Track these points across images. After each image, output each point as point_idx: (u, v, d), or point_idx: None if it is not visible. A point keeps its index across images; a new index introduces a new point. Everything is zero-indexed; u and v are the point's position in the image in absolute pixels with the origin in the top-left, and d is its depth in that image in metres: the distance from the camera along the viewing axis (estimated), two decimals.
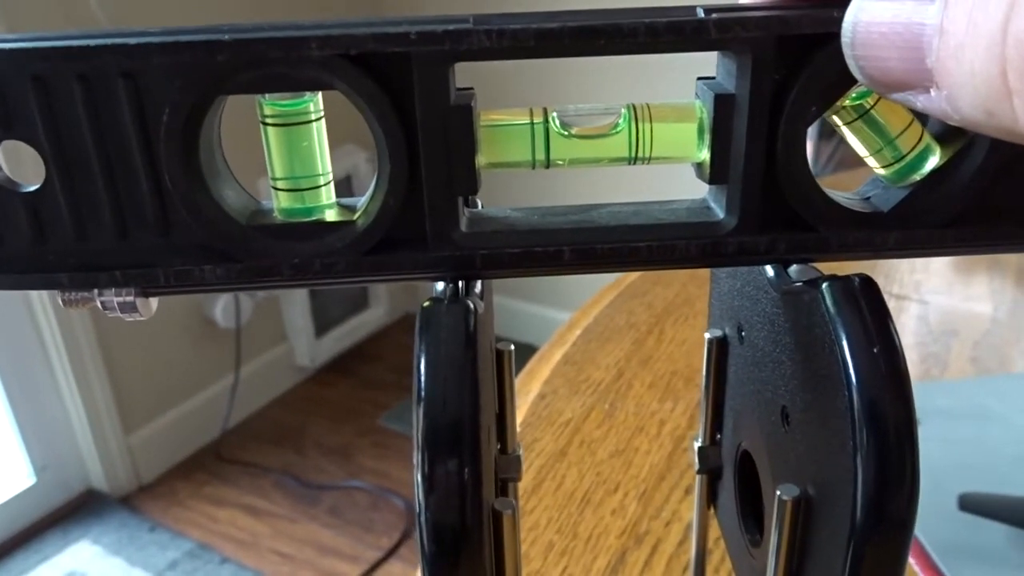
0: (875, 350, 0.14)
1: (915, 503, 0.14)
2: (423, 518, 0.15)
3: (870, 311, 0.15)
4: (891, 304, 0.60)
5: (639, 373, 0.51)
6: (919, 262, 0.66)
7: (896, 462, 0.14)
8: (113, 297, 0.16)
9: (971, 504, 0.37)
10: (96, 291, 0.17)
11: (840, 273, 0.16)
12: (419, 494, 0.15)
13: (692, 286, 0.62)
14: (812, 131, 1.77)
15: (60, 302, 0.17)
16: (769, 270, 0.18)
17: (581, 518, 0.40)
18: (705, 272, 0.67)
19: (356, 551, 1.62)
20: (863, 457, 0.14)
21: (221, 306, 1.82)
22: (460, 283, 0.17)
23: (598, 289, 0.63)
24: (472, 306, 0.15)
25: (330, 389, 2.12)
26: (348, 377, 2.16)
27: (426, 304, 0.16)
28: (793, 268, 0.17)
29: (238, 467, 1.84)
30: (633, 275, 0.64)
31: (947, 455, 0.42)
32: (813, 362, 0.16)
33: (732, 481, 0.22)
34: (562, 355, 0.54)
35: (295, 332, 2.05)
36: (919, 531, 0.38)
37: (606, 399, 0.49)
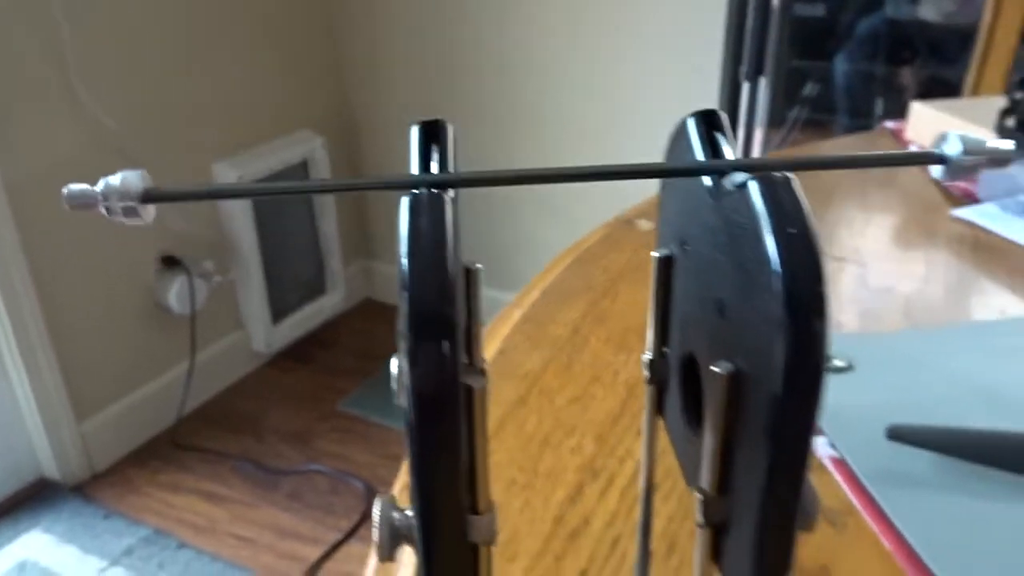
0: (793, 231, 0.16)
1: (825, 355, 0.16)
2: (408, 390, 0.17)
3: (788, 200, 0.17)
4: (832, 265, 0.64)
5: (595, 330, 0.54)
6: (858, 229, 0.70)
7: (811, 321, 0.16)
8: (117, 202, 0.18)
9: (898, 434, 0.40)
10: (100, 196, 0.18)
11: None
12: (404, 371, 0.17)
13: (645, 252, 0.65)
14: (762, 118, 1.80)
15: (67, 206, 0.18)
16: (706, 181, 0.20)
17: (541, 457, 0.42)
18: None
19: (316, 533, 1.63)
20: (784, 325, 0.16)
21: (175, 292, 1.80)
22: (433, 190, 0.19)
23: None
24: (452, 196, 0.17)
25: (288, 375, 2.11)
26: (306, 363, 2.16)
27: (407, 196, 0.17)
28: (727, 178, 0.20)
29: (195, 454, 1.83)
30: (589, 241, 0.67)
31: (879, 396, 0.46)
32: (743, 251, 0.18)
33: (679, 388, 0.24)
34: (521, 315, 0.56)
35: (251, 318, 2.04)
36: (851, 459, 0.41)
37: (564, 353, 0.51)
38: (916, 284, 0.60)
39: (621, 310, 0.56)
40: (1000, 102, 0.77)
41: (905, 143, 0.88)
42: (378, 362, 2.16)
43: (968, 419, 0.43)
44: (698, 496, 0.20)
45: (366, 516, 1.66)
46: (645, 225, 0.70)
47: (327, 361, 2.17)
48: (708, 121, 0.22)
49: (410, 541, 0.19)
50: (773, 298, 0.16)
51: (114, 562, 1.54)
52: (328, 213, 2.14)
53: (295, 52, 2.03)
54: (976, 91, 1.29)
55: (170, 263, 1.81)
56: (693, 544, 0.37)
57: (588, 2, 1.79)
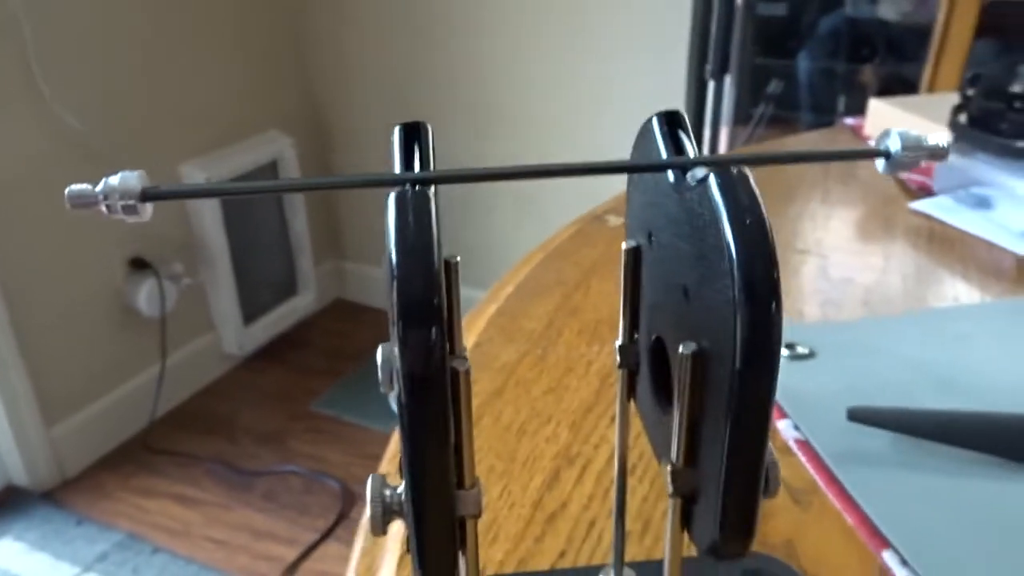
0: (748, 221, 0.18)
1: (779, 332, 0.18)
2: (399, 373, 0.18)
3: (745, 194, 0.19)
4: (795, 257, 0.66)
5: (568, 322, 0.55)
6: (820, 223, 0.72)
7: (766, 302, 0.18)
8: (117, 201, 0.19)
9: (858, 415, 0.42)
10: (101, 196, 0.19)
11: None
12: (395, 356, 0.18)
13: (615, 246, 0.67)
14: (728, 116, 1.83)
15: (68, 206, 0.19)
16: (670, 176, 0.22)
17: (519, 446, 0.43)
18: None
19: (292, 534, 1.63)
20: (741, 306, 0.18)
21: (144, 294, 1.79)
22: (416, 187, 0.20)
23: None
24: (433, 193, 0.19)
25: (260, 376, 2.11)
26: (278, 364, 2.15)
27: (393, 194, 0.19)
28: (689, 173, 0.21)
29: (167, 457, 1.81)
30: (561, 237, 0.68)
31: (839, 380, 0.48)
32: (705, 241, 0.19)
33: (649, 371, 0.26)
34: (496, 309, 0.57)
35: (222, 320, 2.03)
36: (814, 440, 0.43)
37: (539, 345, 0.53)
38: (875, 275, 0.62)
39: (593, 303, 0.58)
40: (954, 99, 0.80)
41: (864, 139, 0.91)
42: (350, 362, 2.16)
43: (923, 401, 0.46)
44: (668, 468, 0.22)
45: (342, 516, 1.66)
46: (615, 221, 0.71)
47: (299, 361, 2.17)
48: (671, 120, 0.23)
49: (401, 515, 0.21)
50: (732, 282, 0.18)
51: (87, 568, 1.53)
52: (298, 213, 2.13)
53: (261, 52, 2.02)
54: (932, 88, 1.33)
55: (139, 265, 1.80)
56: (666, 519, 0.38)
57: (556, 3, 1.81)
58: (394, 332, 0.18)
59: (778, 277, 0.18)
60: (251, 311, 2.08)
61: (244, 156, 1.94)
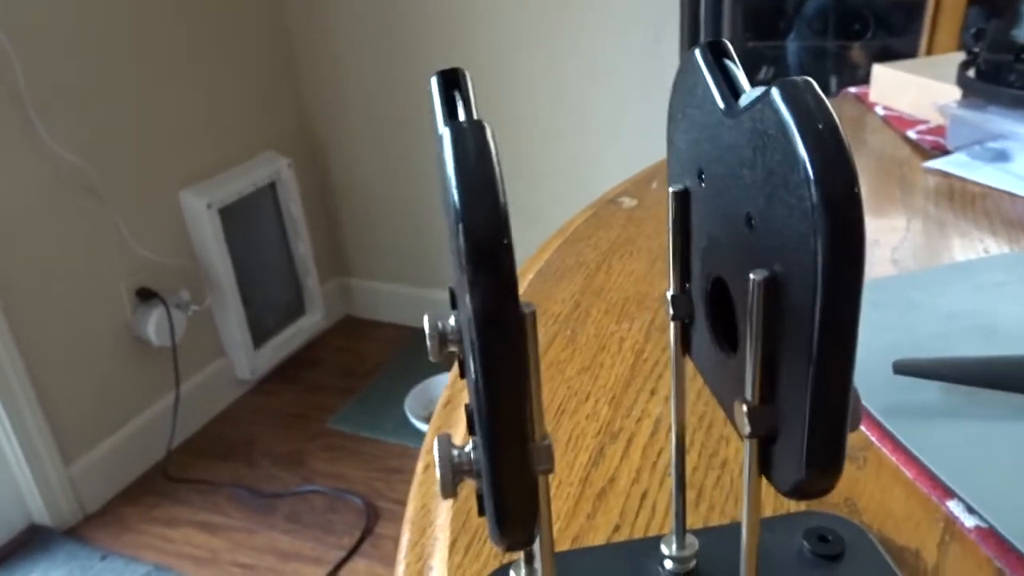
0: (820, 126, 0.17)
1: (863, 242, 0.17)
2: (473, 318, 0.17)
3: (813, 99, 0.18)
4: None
5: (595, 302, 0.54)
6: None
7: (848, 208, 0.17)
8: None
9: (903, 367, 0.41)
10: None
11: None
12: (468, 300, 0.17)
13: (631, 227, 0.66)
14: None
15: None
16: (720, 103, 0.21)
17: (559, 425, 0.42)
18: (642, 214, 0.70)
19: (318, 553, 1.61)
20: (821, 213, 0.17)
21: (154, 325, 1.78)
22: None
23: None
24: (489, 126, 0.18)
25: (275, 398, 2.10)
26: (291, 385, 2.14)
27: (449, 128, 0.18)
28: (743, 96, 0.20)
29: (188, 485, 1.80)
30: (577, 222, 0.67)
31: (877, 338, 0.47)
32: (769, 158, 0.18)
33: (706, 318, 0.25)
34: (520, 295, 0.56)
35: (233, 345, 2.02)
36: (862, 396, 0.42)
37: (567, 327, 0.52)
38: (899, 234, 0.61)
39: (617, 282, 0.57)
40: (958, 57, 0.79)
41: (870, 106, 0.90)
42: (363, 378, 2.15)
43: (967, 350, 0.44)
44: (743, 408, 0.21)
45: (367, 532, 1.65)
46: (629, 202, 0.71)
47: (312, 381, 2.16)
48: (716, 49, 0.22)
49: (471, 475, 0.19)
50: (808, 192, 0.17)
51: None
52: (301, 233, 2.12)
53: (253, 74, 2.02)
54: (930, 55, 1.32)
55: (145, 296, 1.79)
56: (720, 492, 0.37)
57: (547, 1, 1.81)
58: (462, 276, 0.17)
59: (857, 180, 0.17)
60: (260, 334, 2.07)
61: (243, 179, 1.94)
